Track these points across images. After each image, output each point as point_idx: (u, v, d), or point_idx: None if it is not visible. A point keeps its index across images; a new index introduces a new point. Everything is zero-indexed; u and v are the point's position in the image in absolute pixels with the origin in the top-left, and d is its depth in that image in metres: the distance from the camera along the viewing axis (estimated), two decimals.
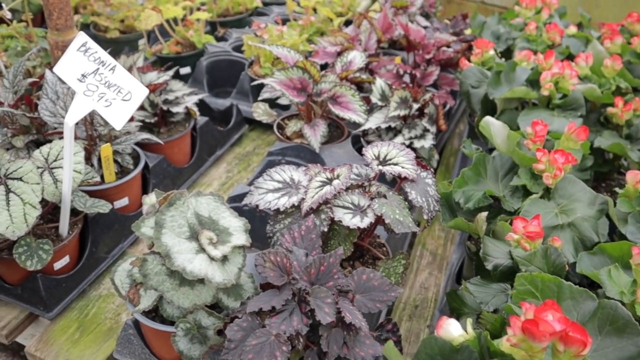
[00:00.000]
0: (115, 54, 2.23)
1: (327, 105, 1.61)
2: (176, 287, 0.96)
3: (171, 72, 1.64)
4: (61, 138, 1.50)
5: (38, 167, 1.18)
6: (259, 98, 1.66)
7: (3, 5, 1.72)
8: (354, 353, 0.95)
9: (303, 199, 1.13)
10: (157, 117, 1.60)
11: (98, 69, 0.99)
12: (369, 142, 1.67)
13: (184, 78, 2.09)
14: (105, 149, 1.32)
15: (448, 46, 1.95)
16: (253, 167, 1.84)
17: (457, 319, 1.13)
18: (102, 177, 1.39)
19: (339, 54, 1.79)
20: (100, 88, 0.99)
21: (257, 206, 1.13)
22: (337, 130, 1.75)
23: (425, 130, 1.58)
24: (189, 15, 2.11)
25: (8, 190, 1.11)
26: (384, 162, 1.20)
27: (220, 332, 1.00)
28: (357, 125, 1.82)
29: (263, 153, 1.91)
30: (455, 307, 1.14)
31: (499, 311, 1.03)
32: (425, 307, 1.43)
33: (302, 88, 1.60)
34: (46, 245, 1.18)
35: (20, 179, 1.12)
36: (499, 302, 1.05)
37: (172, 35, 2.11)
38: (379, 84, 1.64)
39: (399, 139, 1.54)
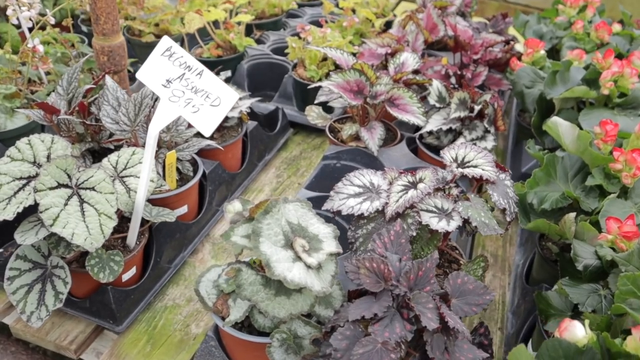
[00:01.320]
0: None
1: (383, 107, 1.58)
2: (271, 297, 0.93)
3: (223, 77, 1.61)
4: (117, 147, 1.47)
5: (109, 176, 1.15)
6: (315, 101, 1.63)
7: (47, 10, 1.69)
8: (455, 358, 0.92)
9: (386, 203, 1.10)
10: None
11: (184, 74, 0.96)
12: (426, 145, 1.64)
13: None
14: (170, 156, 1.29)
15: (494, 46, 1.92)
16: (302, 171, 1.81)
17: (545, 321, 1.10)
18: None
19: (391, 55, 1.76)
20: (187, 93, 0.95)
21: (339, 212, 1.10)
22: (389, 132, 1.72)
23: (486, 131, 1.55)
24: (229, 18, 2.08)
25: (82, 201, 1.08)
26: (462, 164, 1.17)
27: (315, 341, 0.96)
28: (405, 126, 1.80)
29: (310, 157, 1.88)
30: (542, 309, 1.11)
31: (597, 312, 1.01)
32: (494, 310, 1.40)
33: (358, 90, 1.57)
34: (117, 256, 1.15)
35: (92, 188, 1.09)
36: (594, 303, 1.03)
37: (212, 39, 2.08)
38: (436, 85, 1.61)
39: (460, 141, 1.51)
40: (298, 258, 0.93)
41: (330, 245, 0.98)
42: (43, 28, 1.85)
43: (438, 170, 1.15)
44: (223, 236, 0.97)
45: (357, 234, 1.11)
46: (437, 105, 1.59)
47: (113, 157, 1.18)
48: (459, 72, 1.83)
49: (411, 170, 1.19)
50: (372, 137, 1.58)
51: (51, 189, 1.05)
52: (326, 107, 1.83)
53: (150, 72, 0.98)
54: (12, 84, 1.65)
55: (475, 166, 1.16)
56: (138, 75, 0.99)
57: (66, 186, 1.08)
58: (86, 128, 1.43)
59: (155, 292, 1.31)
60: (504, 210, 1.13)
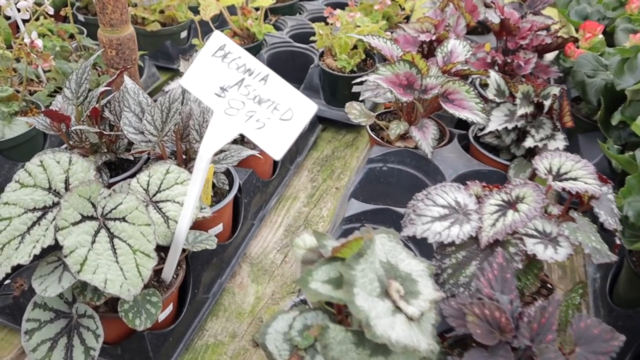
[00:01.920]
0: (157, 49, 1.98)
1: (432, 103, 1.40)
2: (365, 357, 0.75)
3: None
4: (136, 159, 1.27)
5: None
6: (361, 98, 1.43)
7: (45, 0, 1.46)
8: None
9: (479, 227, 0.92)
10: None
11: (243, 79, 0.76)
12: (483, 145, 1.46)
13: None
14: (209, 171, 1.09)
15: (546, 29, 1.74)
16: (338, 173, 1.62)
17: None
18: None
19: (437, 42, 1.57)
20: (248, 104, 0.76)
21: (424, 239, 0.92)
22: (439, 130, 1.53)
23: (555, 129, 1.37)
24: (246, 3, 1.86)
25: (112, 236, 0.88)
26: (558, 176, 1.00)
27: None
28: (444, 120, 1.62)
29: (344, 156, 1.69)
30: None
31: None
32: None
33: (408, 85, 1.38)
34: (153, 296, 0.96)
35: (123, 219, 0.89)
36: None
37: (226, 26, 1.86)
38: (494, 77, 1.43)
39: (529, 141, 1.33)
40: (397, 309, 0.75)
41: (427, 286, 0.80)
42: (37, 18, 1.62)
43: (539, 187, 0.97)
44: (298, 282, 0.78)
45: (444, 264, 0.93)
46: (497, 100, 1.41)
47: (143, 177, 0.98)
48: (507, 60, 1.65)
49: (497, 184, 1.01)
50: (425, 137, 1.40)
51: (74, 224, 0.86)
52: (344, 98, 1.64)
53: (199, 78, 0.78)
54: (7, 85, 1.42)
55: (575, 179, 0.98)
56: (183, 83, 0.79)
57: (91, 218, 0.88)
58: (101, 137, 1.23)
59: (195, 329, 1.13)
60: (614, 232, 0.96)
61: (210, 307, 1.18)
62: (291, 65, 1.91)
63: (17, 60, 1.52)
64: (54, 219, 0.87)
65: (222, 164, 1.15)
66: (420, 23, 1.68)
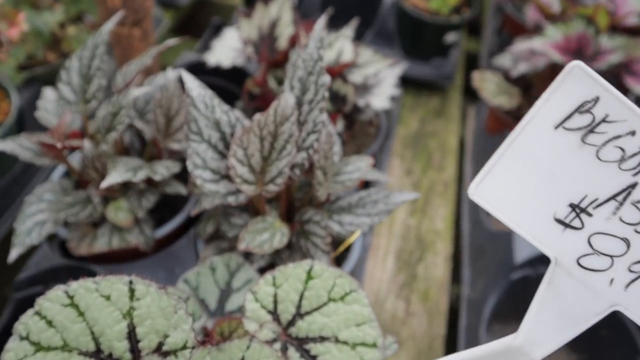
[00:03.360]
0: None
1: (615, 76, 0.97)
2: None
3: (349, 32, 0.92)
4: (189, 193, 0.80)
5: None
6: (514, 72, 0.97)
7: None
8: None
9: None
10: (345, 120, 0.90)
11: (635, 185, 0.32)
12: None
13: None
14: (349, 241, 0.66)
15: None
16: (438, 160, 1.20)
17: None
18: None
19: None
20: (636, 244, 0.33)
21: None
22: None
23: None
24: None
25: None
26: None
27: None
28: None
29: (439, 132, 1.26)
30: None
31: None
32: None
33: (577, 49, 0.93)
34: None
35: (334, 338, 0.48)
36: None
37: None
38: None
39: None
40: None
41: None
42: None
43: None
44: None
45: None
46: None
47: (263, 288, 0.54)
48: None
49: None
50: None
51: None
52: (430, 49, 1.17)
53: (511, 182, 0.33)
54: None
55: None
56: (471, 192, 0.34)
57: None
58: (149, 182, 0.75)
59: None
60: None
61: None
62: (350, 1, 1.39)
63: None
64: None
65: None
66: None
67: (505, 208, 0.33)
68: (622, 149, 0.32)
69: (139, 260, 0.76)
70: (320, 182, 0.66)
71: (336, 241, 0.79)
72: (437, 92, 1.36)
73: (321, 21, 0.62)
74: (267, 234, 0.65)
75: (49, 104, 0.75)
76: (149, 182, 0.76)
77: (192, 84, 0.61)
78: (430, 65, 1.31)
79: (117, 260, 0.77)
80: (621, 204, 0.32)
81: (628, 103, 0.31)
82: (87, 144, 0.68)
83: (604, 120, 0.31)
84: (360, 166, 0.72)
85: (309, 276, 0.55)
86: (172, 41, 0.73)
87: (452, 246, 1.04)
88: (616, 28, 1.00)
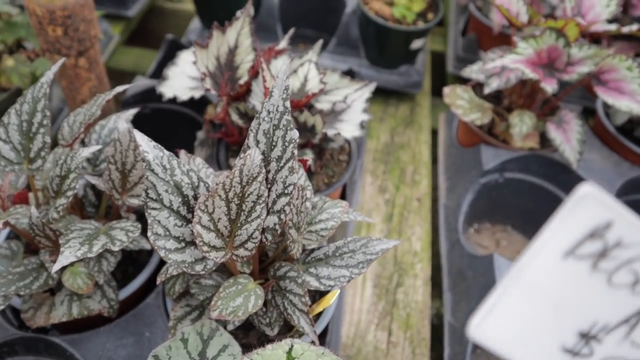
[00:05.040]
0: None
1: (586, 86, 0.94)
2: None
3: (314, 57, 0.87)
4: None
5: None
6: (486, 89, 0.94)
7: None
8: None
9: None
10: (315, 150, 0.85)
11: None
12: (632, 139, 1.05)
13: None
14: (326, 302, 0.62)
15: None
16: (410, 174, 1.17)
17: None
18: None
19: None
20: None
21: None
22: None
23: None
24: None
25: None
26: None
27: None
28: None
29: (409, 143, 1.22)
30: None
31: None
32: None
33: (548, 63, 0.91)
34: None
35: None
36: None
37: None
38: None
39: None
40: None
41: None
42: None
43: None
44: None
45: None
46: None
47: None
48: None
49: None
50: (568, 139, 0.96)
51: None
52: (396, 56, 1.12)
53: (515, 311, 0.29)
54: None
55: None
56: (473, 332, 0.30)
57: None
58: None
59: None
60: None
61: None
62: (310, 6, 1.33)
63: None
64: None
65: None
66: None
67: (509, 344, 0.30)
68: (636, 272, 0.28)
69: (104, 325, 0.71)
70: (294, 240, 0.61)
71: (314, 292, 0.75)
72: (405, 100, 1.32)
73: (285, 68, 0.57)
74: (240, 298, 0.60)
75: None
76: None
77: (147, 146, 0.55)
78: (397, 73, 1.27)
79: (80, 327, 0.72)
80: (633, 327, 0.29)
81: (634, 221, 0.27)
82: (34, 211, 0.62)
83: (617, 245, 0.28)
84: (334, 213, 0.67)
85: (289, 357, 0.51)
86: (120, 88, 0.67)
87: (430, 267, 1.01)
88: (584, 35, 0.97)
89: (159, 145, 0.56)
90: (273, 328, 0.64)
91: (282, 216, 0.57)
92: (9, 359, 0.70)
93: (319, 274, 0.65)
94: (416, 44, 1.22)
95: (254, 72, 0.81)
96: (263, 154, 0.58)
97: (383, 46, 1.22)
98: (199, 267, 0.58)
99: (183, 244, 0.58)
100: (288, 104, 0.57)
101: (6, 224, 0.62)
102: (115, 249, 0.58)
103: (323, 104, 0.86)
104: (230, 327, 0.65)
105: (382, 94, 1.31)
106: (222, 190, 0.56)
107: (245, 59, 0.84)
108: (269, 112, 0.58)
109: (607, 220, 0.28)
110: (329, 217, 0.67)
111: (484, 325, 0.29)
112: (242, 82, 0.81)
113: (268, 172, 0.58)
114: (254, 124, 0.58)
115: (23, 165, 0.65)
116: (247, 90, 0.82)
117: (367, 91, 0.91)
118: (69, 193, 0.60)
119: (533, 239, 0.29)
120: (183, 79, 0.91)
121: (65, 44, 0.89)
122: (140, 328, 0.70)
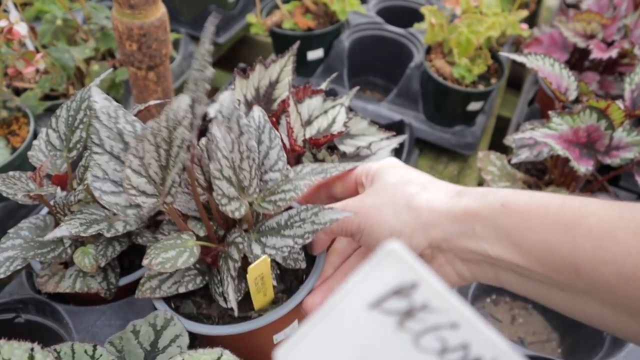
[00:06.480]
0: (198, 15, 1.41)
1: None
2: None
3: (347, 101, 0.92)
4: (154, 237, 0.82)
5: None
6: (513, 159, 0.94)
7: None
8: None
9: None
10: None
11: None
12: None
13: (311, 65, 1.35)
14: (259, 268, 0.63)
15: None
16: None
17: None
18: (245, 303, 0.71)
19: (620, 57, 1.04)
20: None
21: None
22: None
23: None
24: None
25: None
26: None
27: None
28: None
29: None
30: None
31: None
32: None
33: (588, 143, 0.88)
34: None
35: None
36: None
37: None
38: None
39: None
40: None
41: None
42: None
43: None
44: None
45: None
46: None
47: None
48: None
49: None
50: None
51: None
52: (454, 115, 1.12)
53: None
54: None
55: None
56: None
57: None
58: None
59: None
60: None
61: None
62: (378, 56, 1.40)
63: None
64: None
65: (293, 238, 0.66)
66: (583, 22, 1.13)
67: None
68: (443, 339, 0.30)
69: (100, 305, 0.79)
70: (226, 196, 0.59)
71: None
72: (457, 160, 1.32)
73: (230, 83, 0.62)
74: (174, 251, 0.60)
75: (40, 150, 0.80)
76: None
77: (98, 97, 0.61)
78: (451, 132, 1.28)
79: (82, 301, 0.80)
80: None
81: (449, 295, 0.29)
82: (59, 192, 0.72)
83: (423, 308, 0.30)
84: (299, 185, 0.62)
85: None
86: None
87: None
88: (632, 116, 0.93)
89: (110, 97, 0.62)
90: (226, 300, 0.63)
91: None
92: (22, 314, 0.81)
93: (266, 242, 0.63)
94: (473, 105, 1.22)
95: (284, 107, 0.88)
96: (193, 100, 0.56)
97: (440, 103, 1.25)
98: (131, 212, 0.60)
99: (121, 189, 0.61)
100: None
101: (36, 196, 0.73)
102: (108, 235, 0.66)
103: (347, 147, 0.90)
104: (182, 289, 0.65)
105: (433, 150, 1.33)
106: (150, 135, 0.57)
107: (282, 95, 0.92)
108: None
109: (412, 282, 0.30)
110: (291, 188, 0.63)
111: (292, 355, 0.31)
112: (270, 113, 0.88)
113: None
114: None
115: (63, 153, 0.76)
116: (276, 122, 0.89)
117: (394, 142, 0.94)
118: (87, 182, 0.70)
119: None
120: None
121: (138, 58, 1.02)
122: (128, 315, 0.77)
